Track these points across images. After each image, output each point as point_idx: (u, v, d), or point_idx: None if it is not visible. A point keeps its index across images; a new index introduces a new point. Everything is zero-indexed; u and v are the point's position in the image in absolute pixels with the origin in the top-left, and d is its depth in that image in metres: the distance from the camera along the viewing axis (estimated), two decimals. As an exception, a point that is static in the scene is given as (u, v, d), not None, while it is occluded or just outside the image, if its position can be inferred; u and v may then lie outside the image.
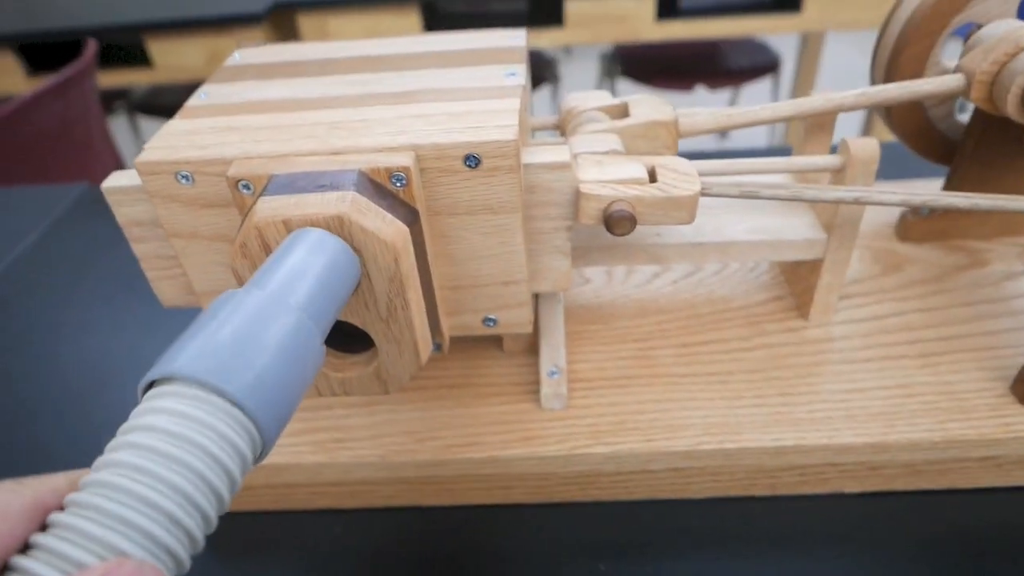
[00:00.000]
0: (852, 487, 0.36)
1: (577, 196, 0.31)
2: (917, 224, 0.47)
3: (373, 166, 0.27)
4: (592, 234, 0.38)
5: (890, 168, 0.49)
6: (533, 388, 0.38)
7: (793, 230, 0.38)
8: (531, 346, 0.40)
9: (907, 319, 0.41)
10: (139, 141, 1.76)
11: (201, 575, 0.35)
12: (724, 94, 1.99)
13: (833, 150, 0.38)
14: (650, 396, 0.37)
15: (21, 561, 0.16)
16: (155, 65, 1.36)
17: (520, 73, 0.33)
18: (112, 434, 0.18)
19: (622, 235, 0.30)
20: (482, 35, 0.38)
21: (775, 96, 1.70)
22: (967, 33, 0.40)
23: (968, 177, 0.43)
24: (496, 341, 0.41)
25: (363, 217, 0.25)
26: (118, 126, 1.59)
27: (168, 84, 1.46)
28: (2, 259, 0.61)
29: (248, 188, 0.28)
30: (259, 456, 0.20)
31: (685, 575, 0.34)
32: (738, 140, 1.97)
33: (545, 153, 0.30)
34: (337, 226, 0.25)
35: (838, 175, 0.35)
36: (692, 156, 0.36)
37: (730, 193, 0.33)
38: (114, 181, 0.32)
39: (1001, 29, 0.36)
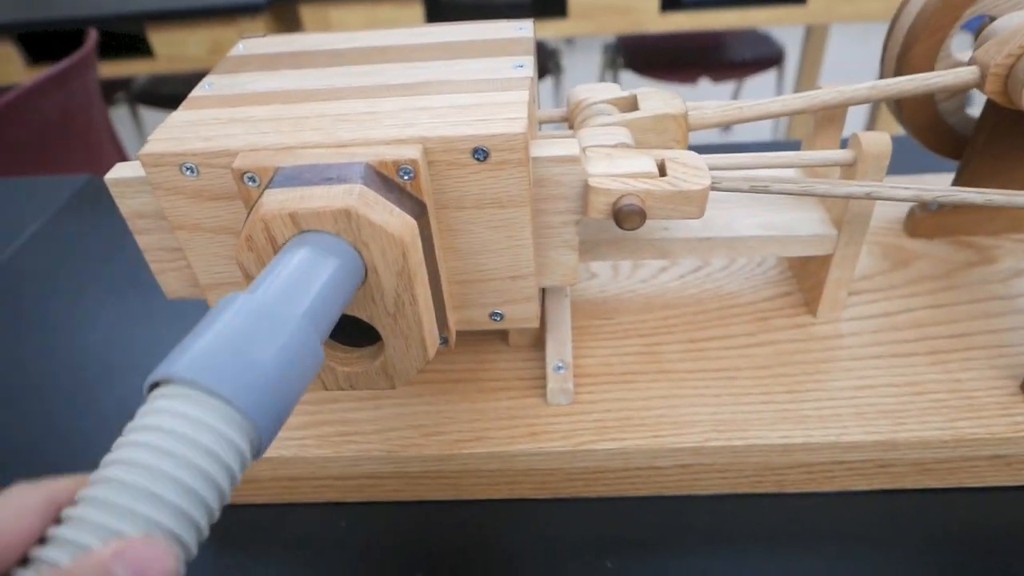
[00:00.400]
0: (860, 485, 0.36)
1: (586, 190, 0.30)
2: (926, 219, 0.46)
3: (380, 159, 0.27)
4: (599, 228, 0.38)
5: (899, 162, 0.49)
6: (539, 383, 0.38)
7: (803, 225, 0.38)
8: (537, 341, 0.40)
9: (916, 316, 0.41)
10: (140, 131, 1.75)
11: (207, 566, 0.35)
12: (728, 87, 1.97)
13: (843, 144, 0.37)
14: (656, 392, 0.37)
15: (40, 552, 0.16)
16: (157, 55, 1.36)
17: (528, 65, 0.33)
18: (111, 424, 0.19)
19: (631, 229, 0.30)
20: (489, 26, 0.38)
21: (779, 89, 1.69)
22: (978, 27, 0.40)
23: (979, 172, 0.42)
24: (502, 335, 0.41)
25: (371, 210, 0.25)
26: (119, 116, 1.58)
27: (169, 74, 1.45)
28: (3, 250, 0.61)
29: (254, 180, 0.27)
30: (257, 453, 0.20)
31: (692, 572, 0.34)
32: (742, 134, 1.96)
33: (554, 146, 0.30)
34: (344, 220, 0.25)
35: (848, 170, 0.35)
36: (698, 150, 0.36)
37: (740, 188, 0.33)
38: (117, 173, 0.31)
39: (1015, 21, 0.36)
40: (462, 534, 0.36)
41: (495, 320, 0.33)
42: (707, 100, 0.37)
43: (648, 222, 0.38)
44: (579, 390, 0.37)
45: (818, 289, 0.40)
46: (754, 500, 0.36)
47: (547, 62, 1.69)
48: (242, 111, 0.31)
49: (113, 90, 1.68)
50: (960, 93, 0.42)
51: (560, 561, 0.35)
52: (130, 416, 0.19)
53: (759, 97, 0.36)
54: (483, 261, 0.31)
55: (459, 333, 0.35)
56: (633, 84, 1.72)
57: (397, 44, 0.36)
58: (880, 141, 0.34)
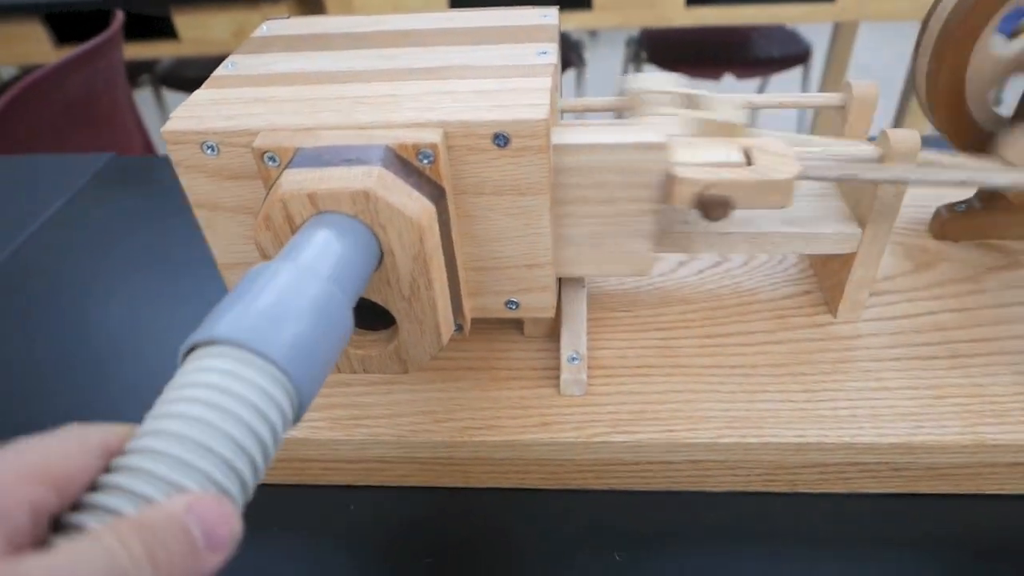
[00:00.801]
0: (873, 487, 0.36)
1: (670, 179, 0.30)
2: (952, 221, 0.45)
3: (400, 142, 0.27)
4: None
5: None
6: (553, 373, 0.37)
7: (827, 223, 0.37)
8: (552, 331, 0.40)
9: (938, 319, 0.40)
10: (163, 114, 1.77)
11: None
12: (752, 83, 1.95)
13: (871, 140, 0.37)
14: (671, 386, 0.37)
15: (96, 498, 0.16)
16: (181, 38, 1.36)
17: (552, 52, 0.32)
18: (130, 398, 0.19)
19: (716, 219, 0.30)
20: (514, 12, 0.37)
21: (804, 87, 1.67)
22: (1015, 27, 0.39)
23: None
24: (516, 325, 0.40)
25: (389, 193, 0.25)
26: (143, 98, 1.59)
27: (193, 57, 1.46)
28: (28, 226, 0.62)
29: (274, 160, 0.27)
30: (296, 416, 0.20)
31: (702, 568, 0.33)
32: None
33: (635, 132, 0.29)
34: (363, 201, 0.25)
35: (877, 164, 0.34)
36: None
37: (828, 176, 0.32)
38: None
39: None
40: (471, 522, 0.36)
41: (511, 308, 0.33)
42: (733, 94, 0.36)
43: (667, 215, 0.37)
44: (593, 382, 0.37)
45: (839, 288, 0.40)
46: (766, 499, 0.36)
47: (570, 54, 1.67)
48: (264, 91, 0.31)
49: (137, 72, 1.69)
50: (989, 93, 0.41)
51: (569, 552, 0.34)
52: (155, 390, 0.19)
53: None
54: (500, 248, 0.31)
55: (474, 321, 0.35)
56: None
57: (421, 28, 0.36)
58: (909, 138, 0.33)
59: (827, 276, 0.41)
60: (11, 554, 0.15)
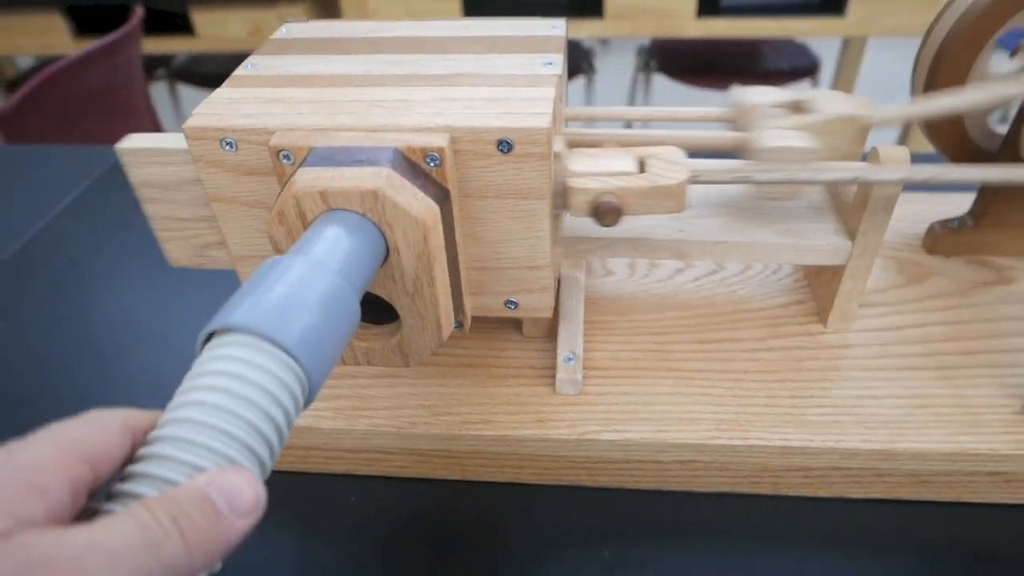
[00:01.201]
0: (856, 492, 0.37)
1: (566, 188, 0.31)
2: (945, 237, 0.46)
3: (409, 145, 0.28)
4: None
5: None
6: (549, 372, 0.39)
7: (818, 235, 0.39)
8: (550, 332, 0.41)
9: (927, 331, 0.41)
10: (177, 108, 1.79)
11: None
12: (761, 95, 1.96)
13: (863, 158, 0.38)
14: (663, 388, 0.38)
15: (125, 487, 0.18)
16: (198, 34, 1.39)
17: (557, 63, 0.34)
18: (139, 386, 0.20)
19: (608, 226, 0.31)
20: (523, 23, 0.39)
21: (813, 101, 1.68)
22: (1016, 46, 0.40)
23: (999, 193, 0.43)
24: (516, 324, 0.42)
25: (396, 193, 0.26)
26: (158, 92, 1.62)
27: (209, 53, 1.48)
28: (43, 216, 0.63)
29: (288, 158, 0.29)
30: (307, 402, 0.22)
31: (688, 566, 0.35)
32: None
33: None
34: (371, 200, 0.26)
35: (865, 184, 0.36)
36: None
37: (721, 179, 0.34)
38: (129, 143, 0.33)
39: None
40: (466, 514, 0.38)
41: (510, 308, 0.35)
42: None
43: (666, 223, 0.39)
44: (588, 382, 0.38)
45: (830, 299, 0.41)
46: (751, 500, 0.37)
47: (580, 62, 1.69)
48: (282, 92, 0.32)
49: (154, 66, 1.71)
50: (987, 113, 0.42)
51: (560, 547, 0.36)
52: (167, 377, 0.20)
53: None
54: (502, 250, 0.32)
55: (474, 320, 0.36)
56: (666, 88, 1.72)
57: (434, 36, 0.38)
58: (899, 155, 0.34)
59: (819, 287, 0.43)
60: (52, 526, 0.16)
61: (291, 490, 0.38)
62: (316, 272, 0.23)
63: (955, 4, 0.40)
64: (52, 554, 0.15)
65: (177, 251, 0.37)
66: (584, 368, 0.39)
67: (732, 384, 0.38)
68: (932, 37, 0.41)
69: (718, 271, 0.46)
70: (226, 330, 0.21)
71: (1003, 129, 0.42)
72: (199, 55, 1.71)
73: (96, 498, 0.18)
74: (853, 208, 0.38)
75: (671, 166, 0.32)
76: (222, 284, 0.31)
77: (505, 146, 0.29)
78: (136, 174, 0.34)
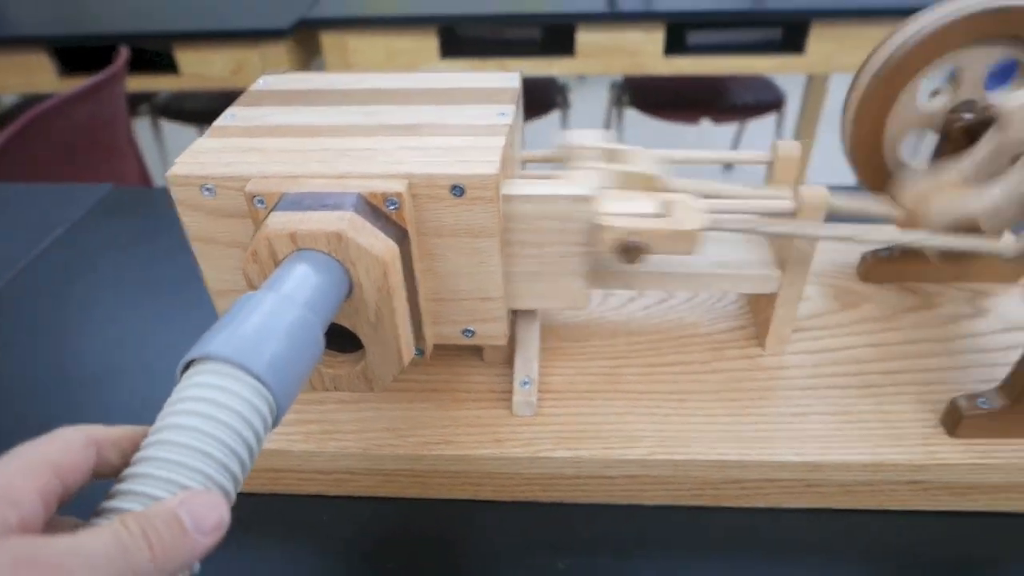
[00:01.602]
0: (790, 502, 0.40)
1: (596, 227, 0.35)
2: (876, 265, 0.50)
3: (371, 190, 0.31)
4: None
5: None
6: (507, 396, 0.42)
7: (752, 265, 0.42)
8: (509, 358, 0.44)
9: (856, 352, 0.45)
10: (161, 143, 1.82)
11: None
12: (728, 128, 2.03)
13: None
14: (613, 409, 0.41)
15: (111, 504, 0.20)
16: (182, 72, 1.42)
17: (509, 114, 0.37)
18: (125, 413, 0.23)
19: (631, 263, 0.34)
20: (481, 75, 0.42)
21: (779, 133, 1.74)
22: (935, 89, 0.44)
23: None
24: (477, 352, 0.45)
25: (358, 234, 0.29)
26: (141, 128, 1.65)
27: (192, 90, 1.52)
28: (30, 253, 0.66)
29: (262, 203, 0.32)
30: (275, 420, 0.25)
31: (634, 573, 0.37)
32: (743, 174, 2.01)
33: (569, 186, 0.34)
34: (336, 241, 0.29)
35: (791, 217, 0.39)
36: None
37: (731, 227, 0.37)
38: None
39: None
40: (430, 530, 0.40)
41: (467, 336, 0.38)
42: (709, 141, 0.41)
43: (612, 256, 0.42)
44: (543, 404, 0.41)
45: (767, 324, 0.44)
46: (694, 512, 0.40)
47: (555, 96, 1.75)
48: (258, 141, 0.35)
49: (137, 102, 1.74)
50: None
51: (516, 559, 0.38)
52: (148, 405, 0.23)
53: (760, 140, 0.41)
54: (457, 283, 0.35)
55: (438, 348, 0.39)
56: (638, 122, 1.77)
57: (400, 88, 0.41)
58: (818, 194, 0.38)
59: (758, 312, 0.46)
60: (29, 533, 0.19)
61: (265, 511, 0.41)
62: (284, 306, 0.26)
63: (878, 52, 0.44)
64: (38, 555, 0.17)
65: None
66: (540, 391, 0.42)
67: (676, 404, 0.41)
68: (861, 77, 0.46)
69: (668, 299, 0.50)
70: (203, 359, 0.24)
71: (914, 161, 0.47)
72: (182, 92, 1.74)
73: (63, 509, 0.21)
74: (783, 241, 0.41)
75: (691, 213, 0.36)
76: (201, 320, 0.34)
77: (458, 191, 0.32)
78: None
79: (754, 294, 0.47)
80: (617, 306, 0.49)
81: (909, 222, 0.40)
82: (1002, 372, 0.39)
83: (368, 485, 0.41)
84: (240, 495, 0.23)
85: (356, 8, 1.44)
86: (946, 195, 0.40)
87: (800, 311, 0.48)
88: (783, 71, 1.44)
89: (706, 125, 1.70)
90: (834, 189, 0.39)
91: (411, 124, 0.36)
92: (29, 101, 1.58)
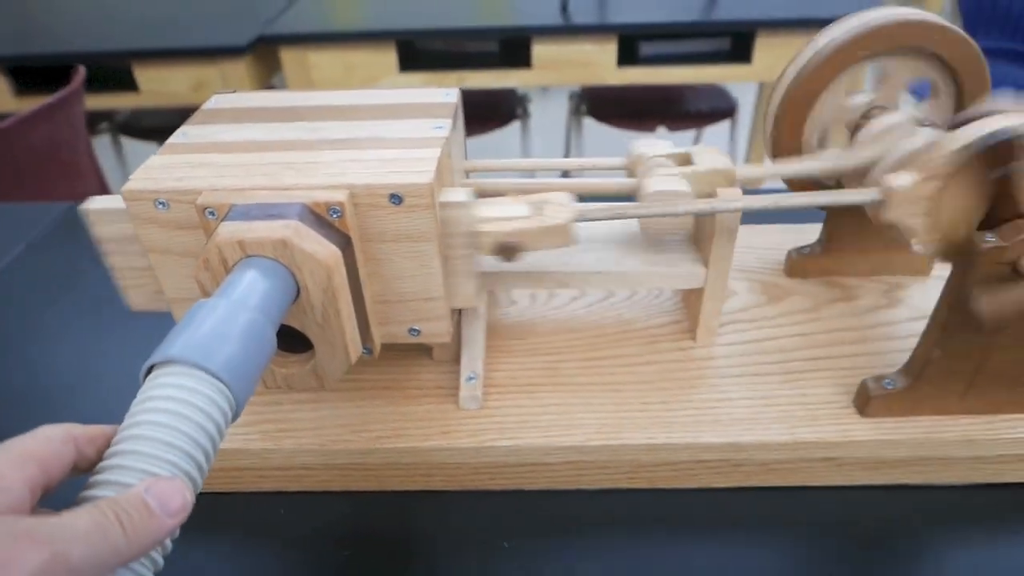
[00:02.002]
0: (718, 482, 0.43)
1: (474, 232, 0.37)
2: (800, 261, 0.54)
3: (315, 200, 0.34)
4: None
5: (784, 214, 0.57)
6: (455, 391, 0.44)
7: (680, 263, 0.45)
8: (456, 356, 0.46)
9: (780, 342, 0.48)
10: (121, 160, 1.81)
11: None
12: (685, 135, 2.08)
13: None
14: (553, 400, 0.44)
15: (89, 493, 0.23)
16: (141, 90, 1.43)
17: (446, 127, 0.40)
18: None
19: (509, 260, 0.37)
20: (422, 91, 0.45)
21: (732, 138, 1.80)
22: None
23: (841, 219, 0.51)
24: (427, 351, 0.47)
25: (303, 241, 0.32)
26: (102, 146, 1.64)
27: (152, 108, 1.52)
28: (-11, 269, 0.67)
29: (213, 214, 0.34)
30: (234, 415, 0.27)
31: (577, 554, 0.40)
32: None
33: (451, 193, 0.37)
34: (282, 247, 0.32)
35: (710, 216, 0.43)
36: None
37: (601, 217, 0.40)
38: (93, 204, 0.38)
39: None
40: (383, 520, 0.42)
41: (413, 335, 0.40)
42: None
43: (551, 257, 0.45)
44: (488, 398, 0.44)
45: (698, 318, 0.47)
46: (631, 494, 0.43)
47: (516, 107, 1.78)
48: (209, 157, 0.38)
49: (97, 120, 1.74)
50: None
51: (465, 542, 0.41)
52: (114, 414, 0.25)
53: (716, 145, 0.45)
54: (401, 285, 0.38)
55: (388, 347, 0.42)
56: (597, 131, 1.82)
57: (344, 104, 0.44)
58: (734, 192, 0.42)
59: (690, 307, 0.49)
60: (18, 515, 0.21)
61: (225, 508, 0.43)
62: (237, 310, 0.29)
63: (792, 64, 0.48)
64: (30, 530, 0.20)
65: (136, 297, 0.41)
66: (485, 386, 0.45)
67: (612, 394, 0.44)
68: (778, 88, 0.49)
69: (608, 297, 0.53)
70: (165, 362, 0.26)
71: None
72: (142, 109, 1.74)
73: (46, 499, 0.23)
74: (706, 240, 0.45)
75: (560, 208, 0.39)
76: (155, 336, 0.36)
77: (396, 199, 0.35)
78: (99, 231, 0.38)
79: (687, 291, 0.50)
80: (560, 305, 0.52)
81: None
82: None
83: (324, 480, 0.43)
84: (201, 495, 0.25)
85: (314, 24, 1.46)
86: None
87: (731, 305, 0.52)
88: (733, 79, 1.50)
89: (662, 133, 1.75)
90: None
91: (353, 138, 0.39)
92: (-15, 121, 1.56)
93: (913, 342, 0.45)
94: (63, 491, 0.24)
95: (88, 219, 0.38)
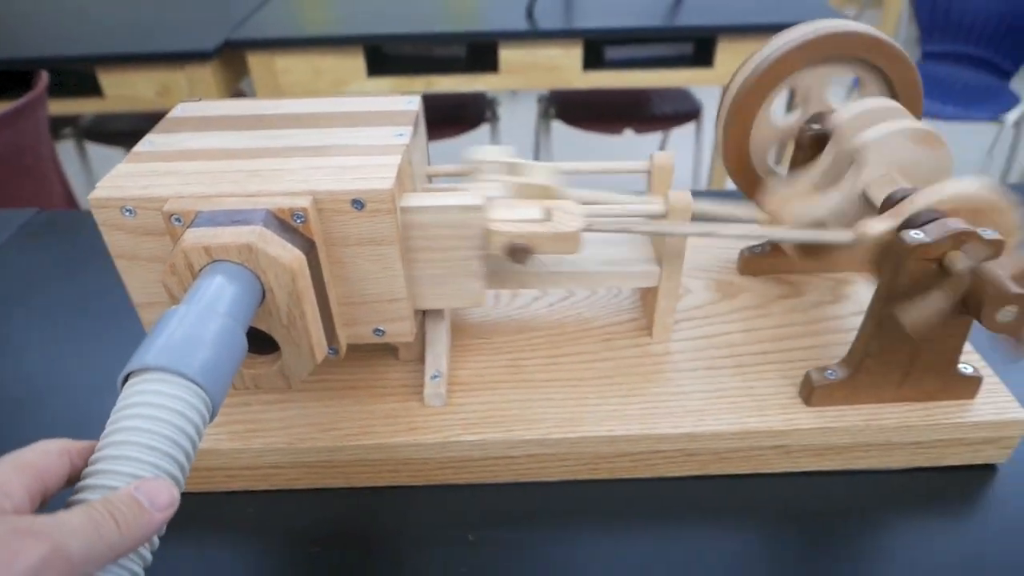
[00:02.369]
0: (675, 471, 0.45)
1: (487, 232, 0.39)
2: (751, 260, 0.56)
3: (279, 206, 0.35)
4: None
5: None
6: (420, 389, 0.46)
7: (635, 264, 0.47)
8: (421, 355, 0.48)
9: (730, 337, 0.50)
10: (86, 165, 1.79)
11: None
12: (654, 137, 2.12)
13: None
14: (515, 396, 0.45)
15: (77, 497, 0.24)
16: (106, 95, 1.41)
17: (407, 134, 0.41)
18: (55, 432, 0.27)
19: (520, 263, 0.39)
20: (385, 99, 0.46)
21: (698, 139, 1.84)
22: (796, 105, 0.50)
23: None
24: (393, 351, 0.49)
25: (267, 245, 0.33)
26: (66, 151, 1.62)
27: (116, 112, 1.51)
28: (-47, 277, 0.66)
29: (179, 221, 0.35)
30: (211, 416, 0.29)
31: (540, 544, 0.42)
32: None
33: (460, 196, 0.39)
34: (247, 252, 0.33)
35: (661, 219, 0.45)
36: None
37: (609, 228, 0.42)
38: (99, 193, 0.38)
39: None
40: (351, 515, 0.44)
41: (377, 335, 0.42)
42: (635, 150, 0.46)
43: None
44: (453, 395, 0.45)
45: (653, 316, 0.49)
46: (592, 485, 0.45)
47: (485, 111, 1.80)
48: (174, 165, 0.39)
49: (61, 126, 1.72)
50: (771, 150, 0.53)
51: (431, 535, 0.42)
52: (75, 426, 0.26)
53: (682, 147, 0.46)
54: (365, 287, 0.39)
55: (354, 347, 0.43)
56: (565, 133, 1.84)
57: (309, 112, 0.45)
58: (683, 198, 0.44)
59: (646, 305, 0.51)
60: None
61: (196, 508, 0.43)
62: (208, 315, 0.30)
63: (738, 74, 0.50)
64: (31, 526, 0.21)
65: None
66: (450, 384, 0.46)
67: (571, 389, 0.46)
68: (726, 97, 0.52)
69: (569, 297, 0.55)
70: (141, 369, 0.27)
71: (780, 168, 0.53)
72: (107, 113, 1.72)
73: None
74: (660, 240, 0.47)
75: (571, 216, 0.41)
76: (126, 341, 0.36)
77: (358, 204, 0.36)
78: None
79: (643, 289, 0.52)
80: (523, 305, 0.54)
81: (772, 223, 0.46)
82: (849, 348, 0.45)
83: (293, 478, 0.44)
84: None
85: (282, 29, 1.46)
86: (800, 200, 0.47)
87: (686, 302, 0.54)
88: (696, 83, 1.53)
89: (629, 135, 1.78)
90: (704, 195, 0.45)
91: (316, 146, 0.40)
92: (-56, 127, 1.53)
93: (856, 335, 0.48)
94: (55, 503, 0.25)
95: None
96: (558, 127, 1.83)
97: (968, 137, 1.88)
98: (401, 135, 0.41)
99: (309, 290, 0.35)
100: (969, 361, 0.45)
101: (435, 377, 0.45)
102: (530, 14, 1.47)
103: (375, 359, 0.48)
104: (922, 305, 0.37)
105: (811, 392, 0.44)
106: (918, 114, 0.49)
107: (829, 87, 0.50)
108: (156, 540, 0.26)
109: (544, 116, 1.82)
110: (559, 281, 0.47)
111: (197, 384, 0.27)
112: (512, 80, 1.46)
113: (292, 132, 0.42)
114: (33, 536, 0.21)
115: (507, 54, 1.44)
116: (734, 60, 1.46)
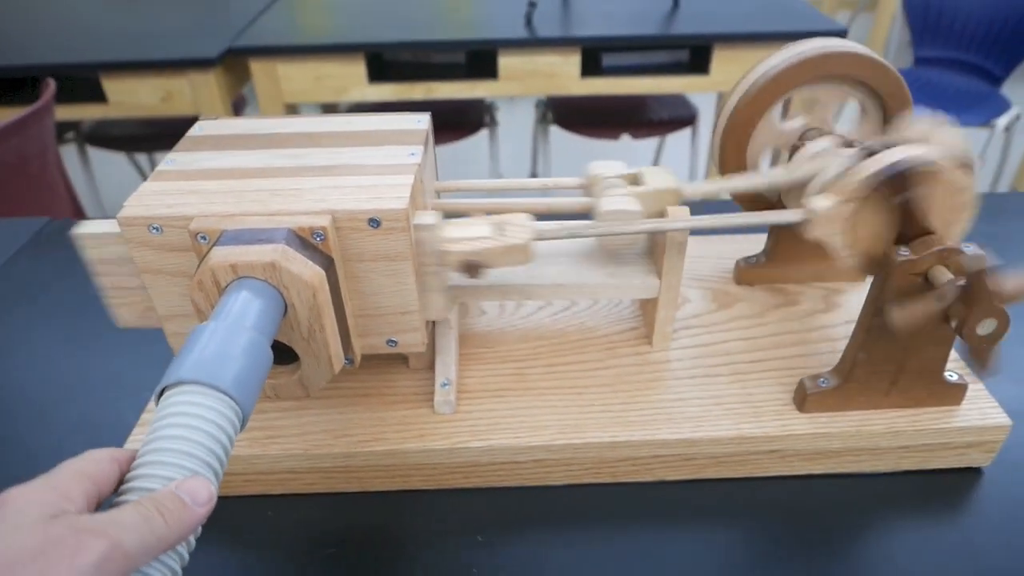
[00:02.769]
0: (673, 475, 0.47)
1: (441, 251, 0.41)
2: (747, 270, 0.59)
3: (299, 225, 0.37)
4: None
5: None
6: (430, 397, 0.48)
7: (635, 276, 0.49)
8: (431, 364, 0.50)
9: (728, 346, 0.52)
10: (89, 170, 1.80)
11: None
12: (648, 142, 2.14)
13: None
14: (520, 404, 0.47)
15: (120, 499, 0.26)
16: (110, 101, 1.43)
17: (418, 153, 0.43)
18: (65, 441, 0.29)
19: (474, 277, 0.41)
20: (395, 118, 0.48)
21: (694, 146, 1.86)
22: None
23: (781, 236, 0.55)
24: (403, 360, 0.51)
25: (290, 263, 0.35)
26: (68, 155, 1.64)
27: (119, 117, 1.52)
28: (-31, 285, 0.68)
29: (204, 239, 0.37)
30: (242, 425, 0.31)
31: (545, 543, 0.44)
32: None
33: (423, 216, 0.40)
34: (271, 269, 0.35)
35: (660, 233, 0.47)
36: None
37: (560, 235, 0.44)
38: (85, 229, 0.41)
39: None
40: (365, 519, 0.46)
41: (391, 345, 0.44)
42: (632, 155, 0.48)
43: (518, 271, 0.49)
44: (461, 403, 0.47)
45: (653, 325, 0.51)
46: (596, 488, 0.47)
47: (484, 116, 1.82)
48: (198, 184, 0.40)
49: (64, 130, 1.73)
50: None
51: (441, 537, 0.44)
52: (91, 430, 0.28)
53: (679, 152, 0.49)
54: (379, 300, 0.41)
55: (367, 357, 0.45)
56: (563, 139, 1.87)
57: (321, 131, 0.47)
58: (681, 211, 0.46)
59: (646, 315, 0.53)
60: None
61: (215, 512, 0.45)
62: (236, 330, 0.32)
63: (736, 88, 0.52)
64: (89, 524, 0.24)
65: (125, 314, 0.44)
66: (458, 392, 0.48)
67: (575, 396, 0.48)
68: (723, 111, 0.54)
69: (572, 306, 0.56)
70: (176, 383, 0.29)
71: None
72: (109, 118, 1.74)
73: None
74: (659, 254, 0.49)
75: (520, 229, 0.43)
76: (132, 350, 0.38)
77: (374, 223, 0.38)
78: (90, 253, 0.41)
79: (644, 300, 0.54)
80: (527, 314, 0.56)
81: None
82: (840, 356, 0.47)
83: (308, 482, 0.46)
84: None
85: (284, 36, 1.48)
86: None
87: (684, 312, 0.56)
88: (692, 90, 1.55)
89: (626, 140, 1.80)
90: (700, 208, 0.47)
91: (332, 165, 0.42)
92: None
93: (847, 344, 0.50)
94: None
95: (80, 243, 0.41)
96: (556, 132, 1.85)
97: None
98: (413, 155, 0.43)
99: (328, 304, 0.37)
100: (955, 369, 0.47)
101: (445, 385, 0.47)
102: (529, 22, 1.49)
103: (386, 367, 0.50)
104: (911, 307, 0.39)
105: (804, 399, 0.46)
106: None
107: (830, 107, 0.52)
108: (192, 540, 0.28)
109: (542, 122, 1.84)
110: (563, 293, 0.49)
111: (230, 396, 0.29)
112: (511, 87, 1.48)
113: (307, 151, 0.44)
114: (94, 534, 0.23)
115: (506, 61, 1.46)
116: (729, 67, 1.48)
